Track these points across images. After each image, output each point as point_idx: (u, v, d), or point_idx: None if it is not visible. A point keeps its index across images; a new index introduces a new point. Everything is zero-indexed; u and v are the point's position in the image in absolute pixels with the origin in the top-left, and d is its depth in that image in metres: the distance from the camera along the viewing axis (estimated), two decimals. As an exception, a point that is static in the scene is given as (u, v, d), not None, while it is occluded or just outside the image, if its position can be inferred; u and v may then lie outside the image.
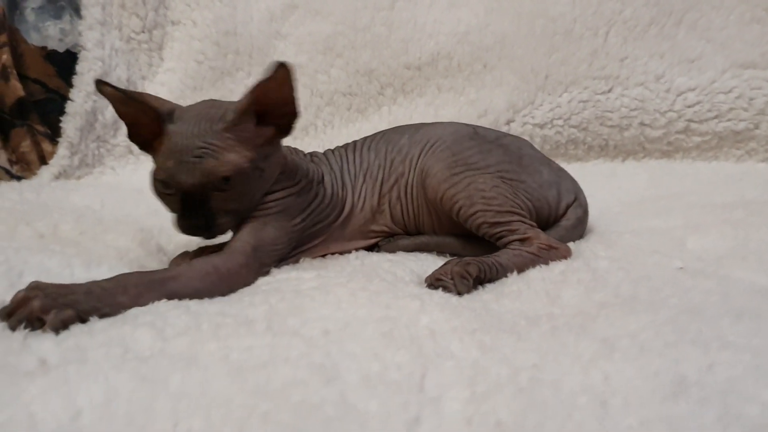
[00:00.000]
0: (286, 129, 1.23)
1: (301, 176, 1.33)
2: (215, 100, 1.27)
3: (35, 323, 0.83)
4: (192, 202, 1.16)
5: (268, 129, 1.22)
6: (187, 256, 1.36)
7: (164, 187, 1.17)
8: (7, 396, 0.66)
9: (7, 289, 1.03)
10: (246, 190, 1.20)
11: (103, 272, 1.21)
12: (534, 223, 1.32)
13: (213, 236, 1.22)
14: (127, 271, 1.21)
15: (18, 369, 0.73)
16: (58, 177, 2.27)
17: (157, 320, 0.86)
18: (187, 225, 1.17)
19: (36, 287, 0.87)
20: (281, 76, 1.12)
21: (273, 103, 1.18)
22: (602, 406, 0.64)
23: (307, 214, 1.30)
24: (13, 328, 0.83)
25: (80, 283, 0.93)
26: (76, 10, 2.51)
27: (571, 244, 1.33)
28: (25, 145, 2.37)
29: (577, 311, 0.95)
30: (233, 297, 1.05)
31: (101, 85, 1.19)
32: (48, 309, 0.84)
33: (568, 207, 1.44)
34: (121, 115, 1.23)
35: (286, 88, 1.16)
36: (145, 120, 1.20)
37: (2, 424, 0.62)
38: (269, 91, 1.15)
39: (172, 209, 1.21)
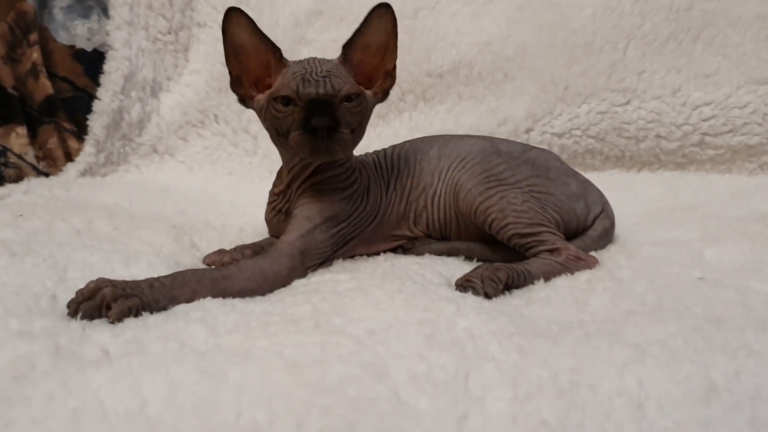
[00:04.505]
0: (382, 92, 1.36)
1: (354, 179, 1.37)
2: None
3: (104, 310, 0.92)
4: (318, 108, 1.18)
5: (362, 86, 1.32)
6: (222, 253, 1.40)
7: (285, 104, 1.22)
8: (77, 383, 0.71)
9: (57, 283, 1.09)
10: (362, 116, 1.29)
11: (142, 268, 1.26)
12: (562, 235, 1.36)
13: (332, 151, 1.21)
14: (164, 267, 1.27)
15: (83, 358, 0.78)
16: (83, 174, 2.31)
17: (208, 317, 0.91)
18: (312, 129, 1.17)
19: (104, 279, 0.96)
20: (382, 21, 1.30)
21: (370, 59, 1.32)
22: (639, 408, 0.69)
23: (351, 220, 1.34)
24: (77, 315, 0.91)
25: (143, 279, 1.01)
26: (104, 10, 2.55)
27: (593, 253, 1.37)
28: (52, 142, 2.41)
29: (606, 318, 0.99)
30: (274, 297, 1.09)
31: (235, 12, 1.24)
32: (117, 297, 0.92)
33: (595, 218, 1.48)
34: (238, 53, 1.28)
35: (386, 40, 1.32)
36: (255, 62, 1.29)
37: (75, 410, 0.67)
38: (368, 41, 1.31)
39: (290, 126, 1.22)
